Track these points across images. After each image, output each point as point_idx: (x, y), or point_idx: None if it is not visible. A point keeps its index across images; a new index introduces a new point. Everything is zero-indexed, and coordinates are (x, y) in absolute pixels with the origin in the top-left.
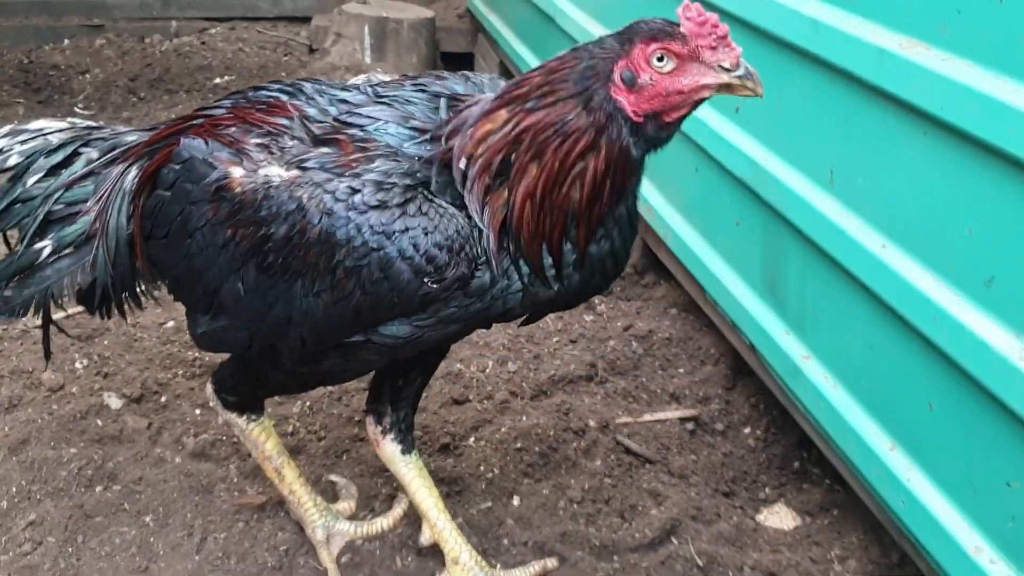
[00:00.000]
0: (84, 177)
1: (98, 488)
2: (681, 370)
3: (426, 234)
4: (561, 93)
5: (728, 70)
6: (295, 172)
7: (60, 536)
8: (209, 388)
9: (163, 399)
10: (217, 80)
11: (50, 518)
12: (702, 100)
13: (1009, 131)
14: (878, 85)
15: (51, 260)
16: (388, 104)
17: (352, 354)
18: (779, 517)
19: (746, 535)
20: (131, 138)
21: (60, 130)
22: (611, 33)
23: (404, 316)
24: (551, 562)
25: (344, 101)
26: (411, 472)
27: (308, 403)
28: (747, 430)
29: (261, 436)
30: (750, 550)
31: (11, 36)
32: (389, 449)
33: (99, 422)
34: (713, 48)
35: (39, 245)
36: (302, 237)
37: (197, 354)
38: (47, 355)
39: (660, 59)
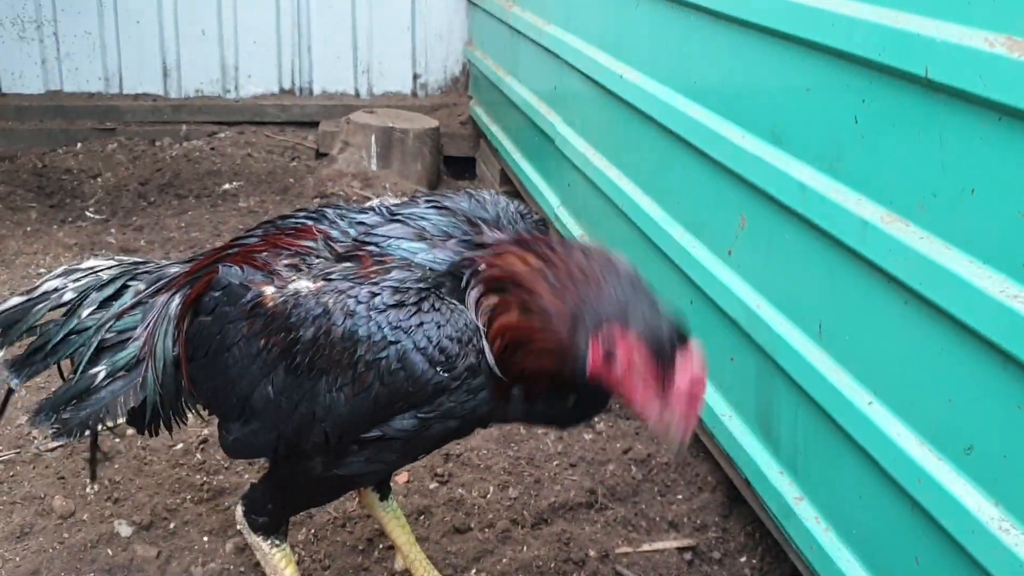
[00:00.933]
0: (133, 307)
1: None
2: (679, 496)
3: (438, 327)
4: (569, 297)
5: (669, 421)
6: (321, 283)
7: None
8: (239, 511)
9: (172, 525)
10: (226, 186)
11: None
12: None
13: (983, 315)
14: (861, 253)
15: (106, 383)
16: (401, 222)
17: (373, 453)
18: None
19: None
20: (174, 270)
21: (110, 267)
22: (641, 292)
23: (417, 407)
24: None
25: (362, 223)
26: (387, 516)
27: (313, 531)
28: (743, 559)
29: (282, 562)
30: None
31: (26, 139)
32: (369, 498)
33: (109, 551)
34: (678, 398)
35: (94, 370)
36: (328, 337)
37: (205, 478)
38: (93, 476)
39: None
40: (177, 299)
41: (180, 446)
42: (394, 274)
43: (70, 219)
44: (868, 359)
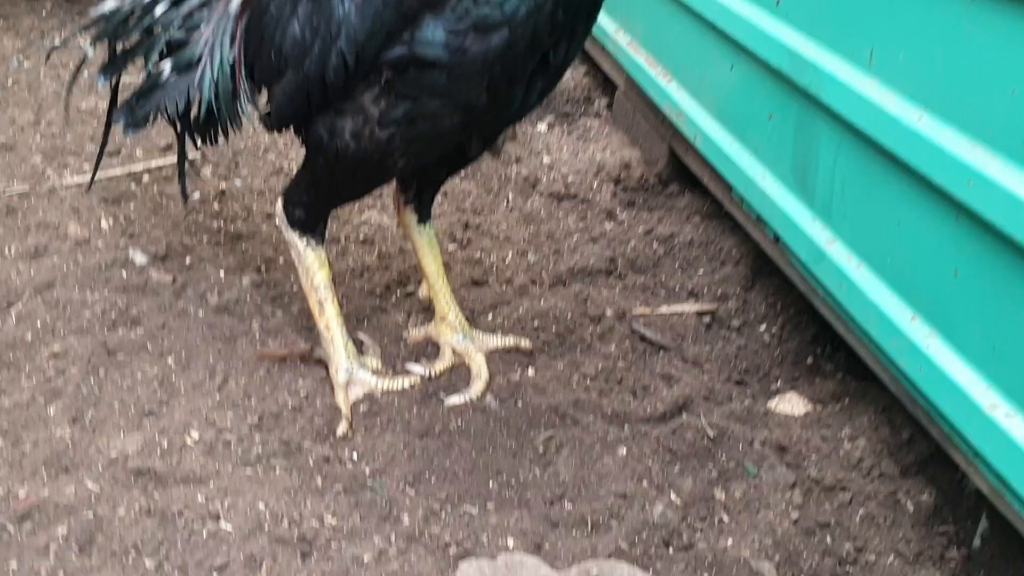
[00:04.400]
0: (200, 7)
1: (121, 330)
2: (701, 270)
3: None
4: None
5: None
6: None
7: (83, 368)
8: (278, 205)
9: (187, 260)
10: None
11: (73, 351)
12: None
13: None
14: None
15: (171, 79)
16: None
17: (412, 106)
18: (790, 404)
19: (757, 417)
20: None
21: None
22: None
23: (436, 9)
24: (525, 342)
25: None
26: (421, 240)
27: (332, 277)
28: (763, 327)
29: (315, 263)
30: (761, 428)
31: None
32: (407, 217)
33: (124, 274)
34: None
35: (161, 66)
36: None
37: (222, 224)
38: (184, 194)
39: None
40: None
41: (197, 195)
42: None
43: (84, 11)
44: (921, 75)
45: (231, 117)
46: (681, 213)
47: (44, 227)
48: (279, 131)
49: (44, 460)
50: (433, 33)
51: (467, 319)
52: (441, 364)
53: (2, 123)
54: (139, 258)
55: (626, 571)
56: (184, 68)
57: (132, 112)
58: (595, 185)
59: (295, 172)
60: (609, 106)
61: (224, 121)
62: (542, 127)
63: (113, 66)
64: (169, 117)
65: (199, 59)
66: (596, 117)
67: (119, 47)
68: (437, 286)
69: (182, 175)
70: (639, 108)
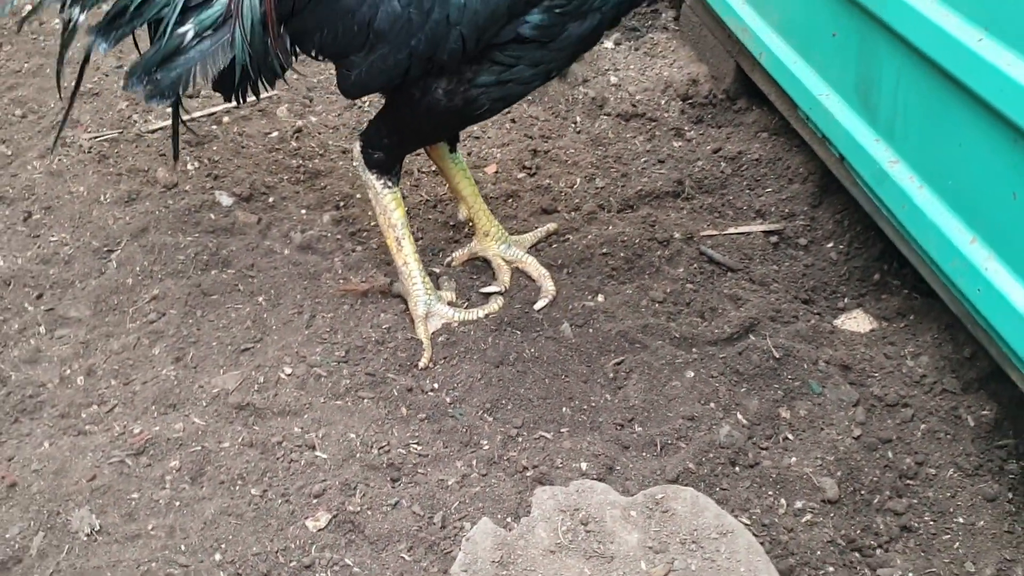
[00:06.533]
0: None
1: (213, 271)
2: (768, 188)
3: None
4: None
5: None
6: None
7: (181, 309)
8: (356, 147)
9: (271, 199)
10: None
11: (171, 294)
12: None
13: None
14: None
15: (194, 43)
16: None
17: (503, 69)
18: (856, 322)
19: (823, 335)
20: None
21: None
22: None
23: None
24: (551, 225)
25: None
26: (455, 167)
27: (407, 210)
28: (830, 244)
29: (392, 203)
30: (826, 347)
31: None
32: (439, 150)
33: (212, 216)
34: None
35: (182, 30)
36: None
37: (301, 162)
38: (176, 154)
39: None
40: None
41: (275, 134)
42: None
43: None
44: None
45: (264, 77)
46: (749, 130)
47: (135, 173)
48: (355, 99)
49: (153, 398)
50: (542, 17)
51: (539, 244)
52: (504, 276)
53: (86, 70)
54: (225, 200)
55: (690, 495)
56: (208, 29)
57: (153, 81)
58: (663, 103)
59: (375, 117)
60: (676, 19)
61: (256, 82)
62: (608, 44)
63: (116, 29)
64: (200, 83)
65: (225, 19)
66: (663, 31)
67: (116, 7)
68: (477, 205)
69: (176, 136)
70: (706, 22)
